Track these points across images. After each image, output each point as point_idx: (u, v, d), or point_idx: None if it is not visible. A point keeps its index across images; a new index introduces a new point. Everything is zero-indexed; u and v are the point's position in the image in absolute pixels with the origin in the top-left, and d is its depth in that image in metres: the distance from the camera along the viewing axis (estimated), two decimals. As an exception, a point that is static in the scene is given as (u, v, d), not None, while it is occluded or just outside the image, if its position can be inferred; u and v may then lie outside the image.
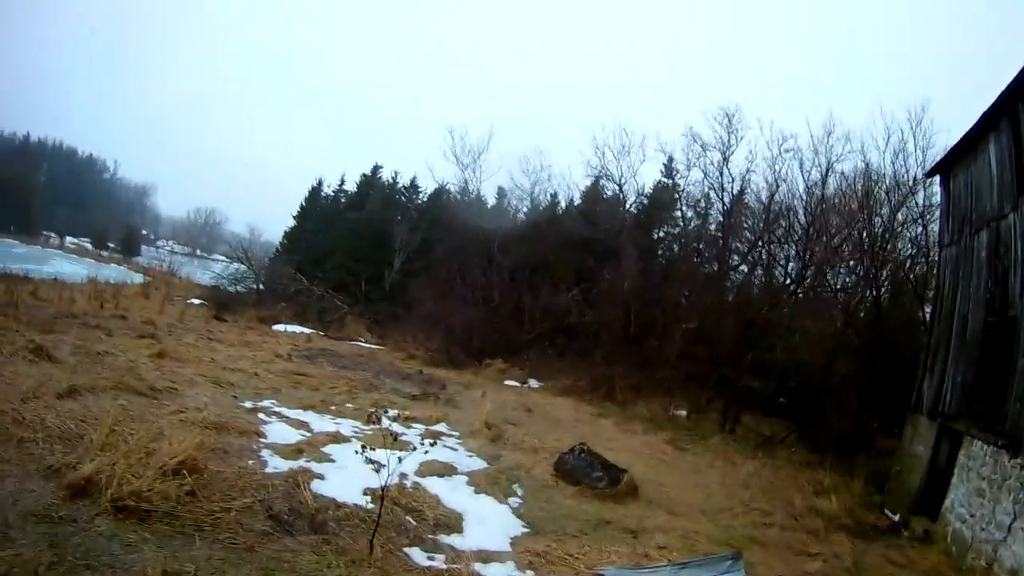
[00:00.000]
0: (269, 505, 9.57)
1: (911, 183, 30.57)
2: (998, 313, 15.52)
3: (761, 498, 17.63)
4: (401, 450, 15.14)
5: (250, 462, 11.66)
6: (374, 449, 10.45)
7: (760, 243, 36.11)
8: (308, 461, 12.65)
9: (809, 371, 28.97)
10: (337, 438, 14.91)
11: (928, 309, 28.33)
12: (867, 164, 33.00)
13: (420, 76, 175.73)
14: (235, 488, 9.79)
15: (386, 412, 15.74)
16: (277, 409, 16.56)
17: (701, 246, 40.78)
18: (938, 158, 24.38)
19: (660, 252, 41.78)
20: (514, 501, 14.04)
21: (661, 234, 43.22)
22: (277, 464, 12.01)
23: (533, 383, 33.68)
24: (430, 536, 10.90)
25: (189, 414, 13.31)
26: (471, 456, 16.77)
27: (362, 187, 56.53)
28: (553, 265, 40.01)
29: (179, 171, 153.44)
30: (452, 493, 13.23)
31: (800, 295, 34.38)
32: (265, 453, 12.54)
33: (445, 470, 14.78)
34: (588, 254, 38.49)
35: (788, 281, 34.64)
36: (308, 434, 14.91)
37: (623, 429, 25.32)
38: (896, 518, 17.83)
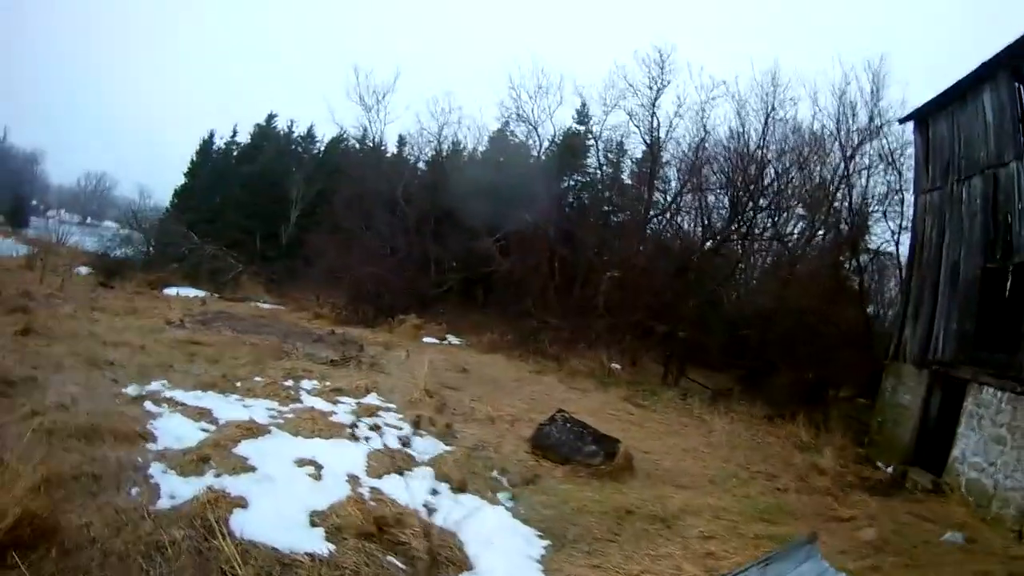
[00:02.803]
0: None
1: (866, 131, 28.20)
2: (1000, 260, 15.25)
3: (756, 460, 15.99)
4: (332, 435, 11.31)
5: (134, 491, 7.23)
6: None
7: (689, 189, 32.76)
8: (219, 474, 8.22)
9: (760, 322, 26.35)
10: (252, 430, 10.42)
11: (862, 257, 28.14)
12: (819, 113, 30.26)
13: (323, 14, 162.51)
14: (111, 558, 5.55)
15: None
16: (169, 394, 11.88)
17: (611, 194, 37.79)
18: (892, 108, 26.33)
19: (572, 200, 37.83)
20: (505, 498, 10.32)
21: (572, 182, 39.16)
22: (175, 488, 7.54)
23: (453, 339, 29.71)
24: (438, 590, 6.85)
25: (49, 416, 8.74)
26: (422, 436, 12.67)
27: (256, 138, 50.17)
28: (462, 213, 35.54)
29: (70, 136, 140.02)
30: (425, 498, 8.84)
31: (737, 242, 31.19)
32: (156, 470, 8.01)
33: (401, 462, 10.52)
34: (498, 201, 34.29)
35: (722, 228, 31.09)
36: (212, 427, 10.43)
37: (571, 387, 21.92)
38: (889, 470, 16.56)
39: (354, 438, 11.23)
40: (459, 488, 9.88)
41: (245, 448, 9.41)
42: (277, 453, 9.47)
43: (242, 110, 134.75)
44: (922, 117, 19.02)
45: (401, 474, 9.86)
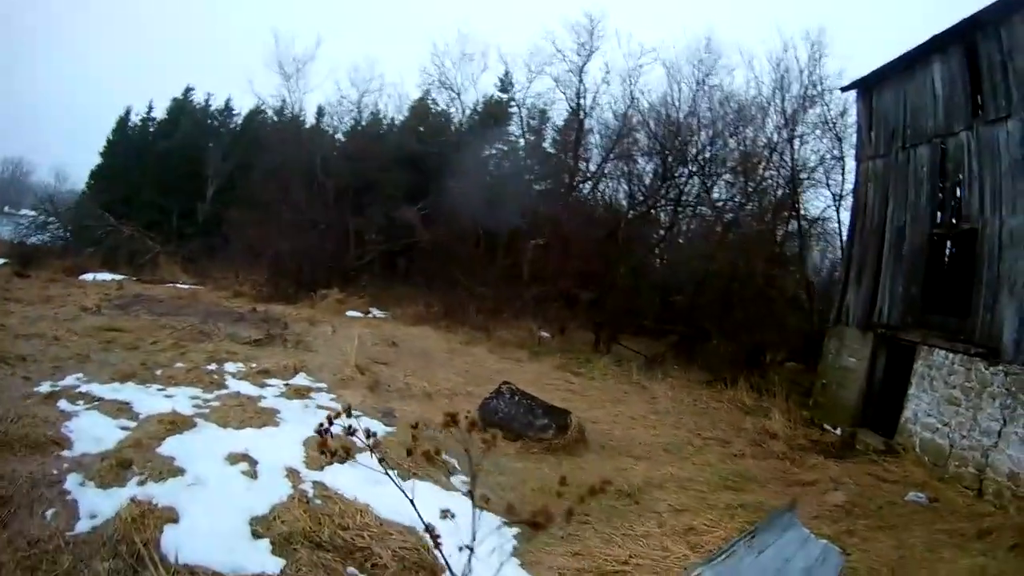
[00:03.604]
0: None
1: (803, 99, 27.69)
2: (948, 227, 15.73)
3: (705, 426, 15.87)
4: (263, 423, 10.41)
5: (49, 514, 6.18)
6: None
7: (615, 155, 32.27)
8: (143, 482, 7.19)
9: (692, 287, 26.34)
10: (176, 423, 9.37)
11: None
12: (755, 80, 30.22)
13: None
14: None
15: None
16: (85, 388, 10.78)
17: (534, 162, 36.82)
18: (830, 78, 26.26)
19: (495, 168, 36.80)
20: (459, 481, 9.48)
21: (494, 150, 38.01)
22: (95, 504, 6.48)
23: (377, 313, 28.60)
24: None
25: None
26: (358, 417, 11.35)
27: (172, 113, 47.19)
28: (383, 184, 34.71)
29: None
30: (377, 489, 7.89)
31: (664, 208, 31.08)
32: (73, 483, 6.94)
33: (342, 449, 9.42)
34: (419, 171, 33.56)
35: (651, 194, 30.72)
36: (132, 423, 9.37)
37: (504, 358, 21.35)
38: (838, 432, 16.66)
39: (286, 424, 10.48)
40: (409, 474, 8.93)
41: (170, 446, 8.42)
42: (206, 449, 8.49)
43: (161, 85, 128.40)
44: (866, 86, 19.02)
45: (344, 463, 8.97)
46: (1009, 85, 13.39)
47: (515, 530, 7.84)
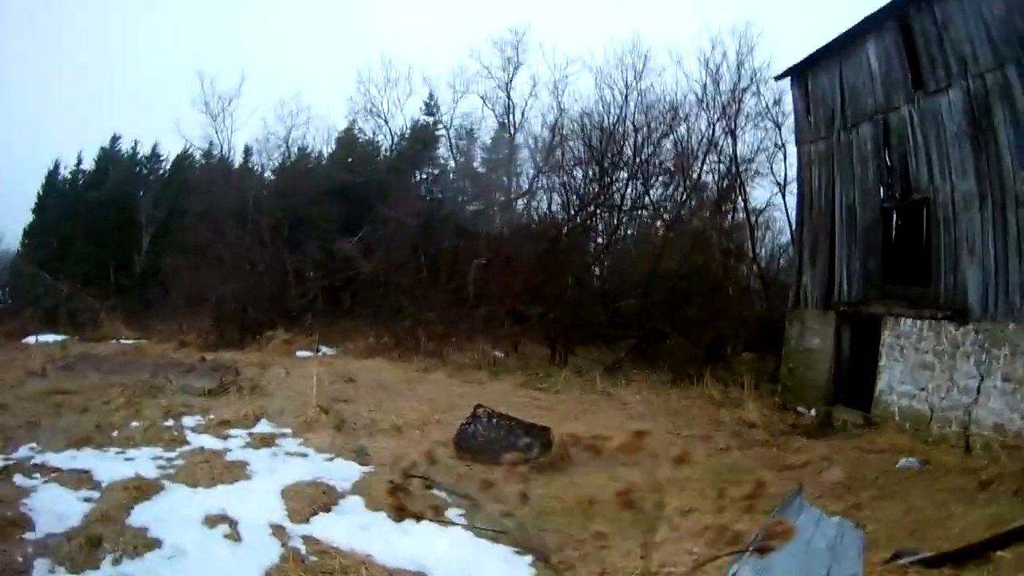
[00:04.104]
0: None
1: (735, 92, 27.95)
2: (898, 199, 15.99)
3: (682, 424, 15.80)
4: (235, 478, 9.74)
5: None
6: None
7: (548, 168, 31.81)
8: (118, 560, 6.43)
9: (641, 290, 26.17)
10: (142, 488, 8.58)
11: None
12: (686, 78, 31.90)
13: (165, 22, 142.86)
14: None
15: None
16: (41, 459, 9.90)
17: (466, 182, 36.51)
18: (761, 70, 27.14)
19: (427, 191, 36.39)
20: (455, 514, 8.73)
21: (423, 175, 37.73)
22: (69, 592, 5.69)
23: (327, 350, 27.33)
24: None
25: None
26: (331, 459, 11.26)
27: (101, 162, 45.52)
28: (316, 218, 33.82)
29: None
30: (369, 535, 7.36)
31: (603, 214, 30.89)
32: (41, 570, 6.15)
33: (324, 496, 8.85)
34: (351, 202, 33.05)
35: (589, 202, 30.24)
36: (96, 493, 8.51)
37: (465, 382, 20.68)
38: (812, 413, 16.90)
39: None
40: (400, 515, 8.29)
41: (140, 515, 7.66)
42: (179, 514, 7.74)
43: (89, 134, 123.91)
44: (801, 72, 19.26)
45: (328, 511, 8.36)
46: (947, 57, 13.93)
47: (528, 557, 7.36)
